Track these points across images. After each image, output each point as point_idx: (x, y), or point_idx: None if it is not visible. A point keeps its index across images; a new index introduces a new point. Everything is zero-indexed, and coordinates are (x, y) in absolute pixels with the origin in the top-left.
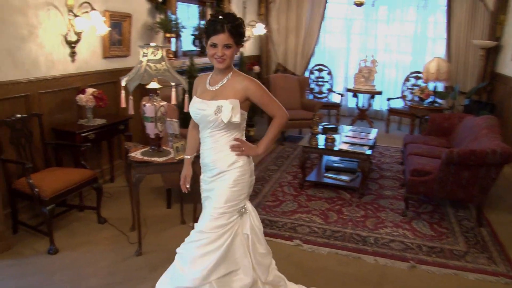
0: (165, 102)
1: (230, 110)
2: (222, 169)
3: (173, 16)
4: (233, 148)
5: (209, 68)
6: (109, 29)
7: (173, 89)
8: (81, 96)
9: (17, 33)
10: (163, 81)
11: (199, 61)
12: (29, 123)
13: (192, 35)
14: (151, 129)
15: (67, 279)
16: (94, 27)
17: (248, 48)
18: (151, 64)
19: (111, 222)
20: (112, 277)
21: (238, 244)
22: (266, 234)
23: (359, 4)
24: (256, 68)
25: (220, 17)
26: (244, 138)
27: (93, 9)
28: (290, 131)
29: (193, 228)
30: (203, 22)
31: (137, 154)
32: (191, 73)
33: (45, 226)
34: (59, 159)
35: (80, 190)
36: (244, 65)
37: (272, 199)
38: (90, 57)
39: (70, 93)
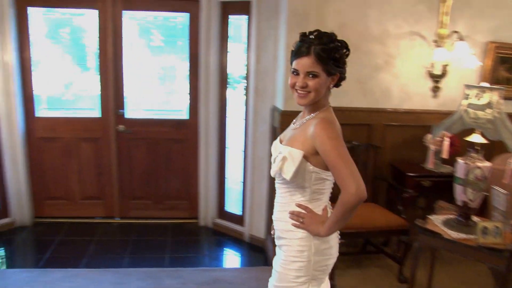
0: (487, 164)
1: (279, 161)
2: (280, 233)
3: None
4: (292, 215)
5: None
6: (480, 63)
7: None
8: (429, 136)
9: (371, 61)
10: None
11: None
12: (365, 152)
13: None
14: (459, 193)
15: None
16: (463, 60)
17: None
18: (471, 110)
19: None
20: None
21: None
22: None
23: None
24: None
25: (311, 36)
26: (320, 205)
27: (461, 39)
28: None
29: None
30: None
31: (438, 218)
32: None
33: None
34: (377, 193)
35: (383, 236)
36: None
37: None
38: (459, 94)
39: (422, 131)
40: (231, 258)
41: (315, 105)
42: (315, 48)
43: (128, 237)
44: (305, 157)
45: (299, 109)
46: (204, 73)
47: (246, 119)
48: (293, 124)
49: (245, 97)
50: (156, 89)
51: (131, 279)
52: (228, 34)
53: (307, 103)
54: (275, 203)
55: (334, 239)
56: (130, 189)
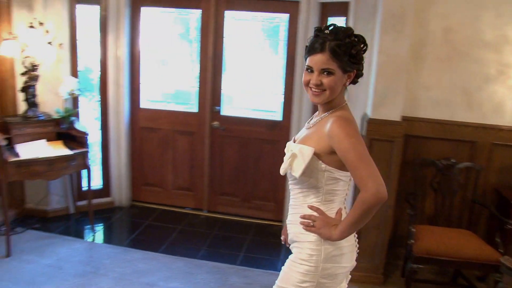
0: None
1: (287, 158)
2: (293, 236)
3: None
4: (303, 218)
5: None
6: None
7: None
8: None
9: (481, 71)
10: None
11: None
12: (465, 173)
13: None
14: None
15: None
16: None
17: None
18: None
19: None
20: None
21: None
22: None
23: None
24: None
25: (326, 31)
26: (334, 207)
27: None
28: None
29: None
30: None
31: None
32: None
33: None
34: (475, 220)
35: (475, 269)
36: None
37: None
38: None
39: None
40: None
41: (331, 104)
42: (330, 44)
43: (211, 230)
44: (318, 156)
45: (389, 117)
46: (300, 75)
47: None
48: (308, 123)
49: None
50: (252, 88)
51: (200, 271)
52: None
53: (321, 102)
54: (289, 206)
55: (349, 247)
56: (219, 184)
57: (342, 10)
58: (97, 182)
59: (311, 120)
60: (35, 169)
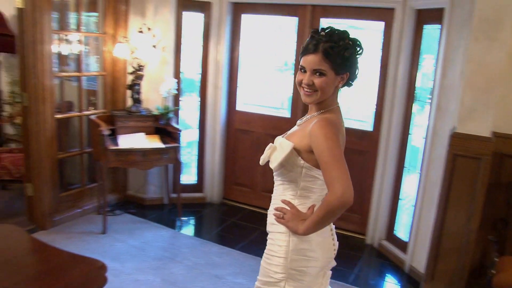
0: None
1: (268, 149)
2: (267, 226)
3: None
4: (276, 210)
5: None
6: None
7: None
8: None
9: None
10: None
11: None
12: None
13: None
14: None
15: None
16: None
17: None
18: None
19: None
20: None
21: None
22: None
23: None
24: None
25: (321, 33)
26: (307, 203)
27: None
28: None
29: None
30: None
31: None
32: None
33: None
34: None
35: None
36: None
37: None
38: None
39: None
40: (379, 285)
41: (322, 104)
42: (324, 45)
43: None
44: (298, 152)
45: (476, 132)
46: (392, 85)
47: (426, 139)
48: (300, 121)
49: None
50: (342, 96)
51: None
52: (421, 45)
53: (312, 102)
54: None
55: (320, 243)
56: None
57: (438, 17)
58: (192, 178)
59: (303, 118)
60: (131, 158)
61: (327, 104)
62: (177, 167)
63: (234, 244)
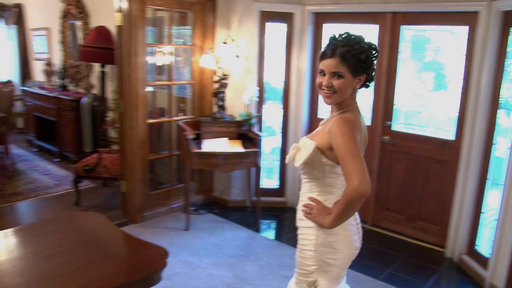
0: None
1: (292, 149)
2: (297, 222)
3: None
4: (304, 207)
5: None
6: None
7: None
8: None
9: None
10: None
11: None
12: None
13: None
14: None
15: None
16: None
17: None
18: None
19: None
20: None
21: None
22: None
23: None
24: None
25: (338, 38)
26: (332, 199)
27: None
28: None
29: None
30: None
31: None
32: None
33: None
34: None
35: None
36: None
37: None
38: None
39: None
40: None
41: (341, 104)
42: (340, 49)
43: (367, 243)
44: (321, 150)
45: None
46: (475, 91)
47: (511, 149)
48: (322, 121)
49: None
50: (424, 104)
51: (357, 284)
52: (507, 49)
53: (332, 102)
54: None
55: (346, 237)
56: (385, 199)
57: None
58: (274, 183)
59: (324, 119)
60: (213, 161)
61: (346, 104)
62: (257, 172)
63: None
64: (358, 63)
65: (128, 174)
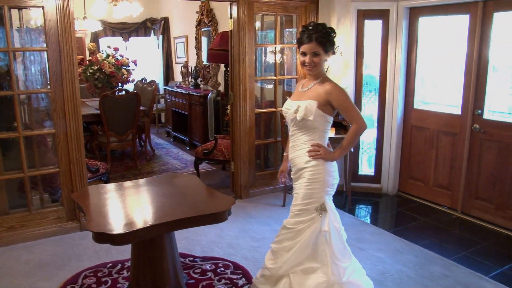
0: None
1: (303, 108)
2: (300, 166)
3: None
4: (310, 153)
5: None
6: None
7: None
8: None
9: None
10: None
11: None
12: None
13: None
14: None
15: None
16: None
17: None
18: None
19: None
20: None
21: (318, 241)
22: None
23: None
24: None
25: (310, 27)
26: (326, 142)
27: None
28: None
29: None
30: None
31: None
32: None
33: None
34: None
35: None
36: None
37: None
38: None
39: None
40: None
41: (317, 74)
42: (315, 35)
43: (453, 229)
44: (318, 106)
45: None
46: None
47: None
48: (301, 88)
49: None
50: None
51: (409, 252)
52: None
53: (314, 73)
54: (291, 147)
55: (336, 166)
56: (475, 188)
57: None
58: (371, 170)
59: (302, 86)
60: None
61: (320, 74)
62: (349, 157)
63: (389, 227)
64: (328, 42)
65: (236, 156)
